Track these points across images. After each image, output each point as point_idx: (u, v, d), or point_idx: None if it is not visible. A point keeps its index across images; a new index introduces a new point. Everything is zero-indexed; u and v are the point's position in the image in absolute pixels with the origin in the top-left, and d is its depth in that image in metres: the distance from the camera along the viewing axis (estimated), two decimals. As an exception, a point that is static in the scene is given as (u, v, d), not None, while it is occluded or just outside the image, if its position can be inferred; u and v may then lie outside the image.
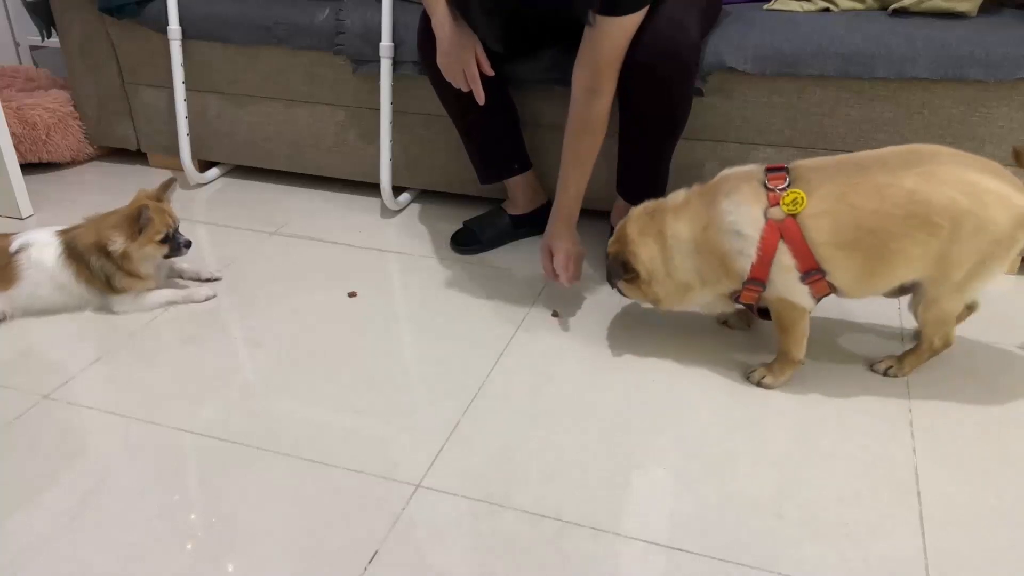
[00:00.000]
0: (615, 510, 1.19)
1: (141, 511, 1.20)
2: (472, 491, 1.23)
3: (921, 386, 1.45)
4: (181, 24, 2.14)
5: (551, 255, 1.66)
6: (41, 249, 1.65)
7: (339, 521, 1.18)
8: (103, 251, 1.64)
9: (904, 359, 1.47)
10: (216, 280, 1.83)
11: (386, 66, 1.98)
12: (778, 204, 1.31)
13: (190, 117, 2.26)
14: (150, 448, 1.33)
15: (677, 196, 1.45)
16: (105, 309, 1.71)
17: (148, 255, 1.67)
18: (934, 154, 1.30)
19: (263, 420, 1.39)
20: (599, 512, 1.19)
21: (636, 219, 1.46)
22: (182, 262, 1.81)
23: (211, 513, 1.20)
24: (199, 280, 1.83)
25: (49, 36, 2.47)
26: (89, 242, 1.64)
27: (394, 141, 2.08)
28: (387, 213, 2.16)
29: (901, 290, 1.39)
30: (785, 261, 1.32)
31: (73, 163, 2.46)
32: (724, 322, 1.64)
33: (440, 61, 1.63)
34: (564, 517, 1.18)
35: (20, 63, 2.86)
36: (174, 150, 2.29)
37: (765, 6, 1.86)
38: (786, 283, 1.35)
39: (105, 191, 2.26)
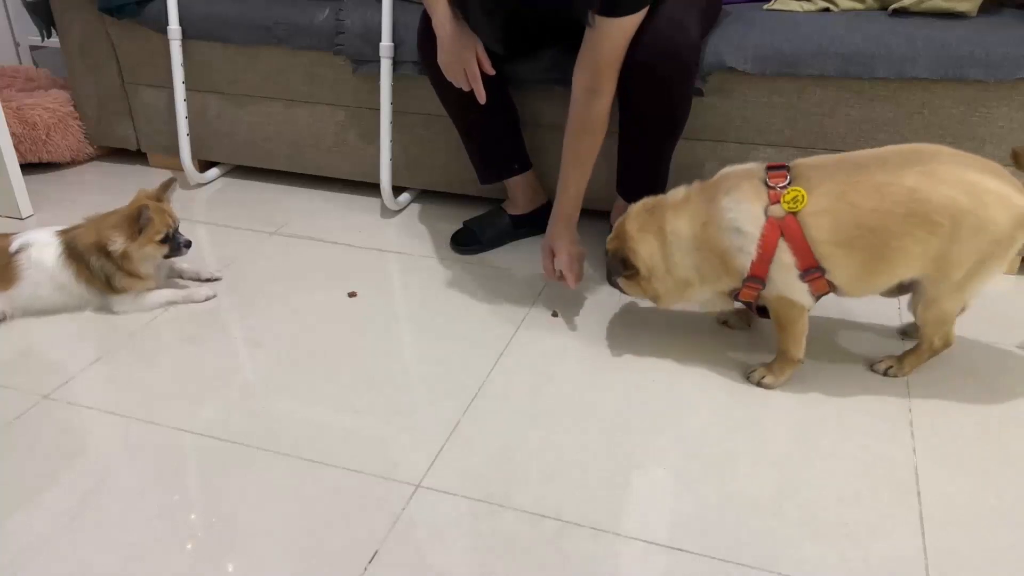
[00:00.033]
0: (615, 510, 1.19)
1: (141, 511, 1.20)
2: (472, 491, 1.23)
3: (921, 386, 1.45)
4: (181, 24, 2.14)
5: (552, 255, 1.66)
6: (41, 249, 1.65)
7: (339, 521, 1.18)
8: (103, 251, 1.64)
9: (904, 359, 1.47)
10: (216, 280, 1.83)
11: (386, 66, 1.98)
12: (778, 202, 1.31)
13: (190, 117, 2.26)
14: (150, 448, 1.33)
15: (677, 193, 1.45)
16: (105, 309, 1.71)
17: (148, 255, 1.67)
18: (935, 153, 1.30)
19: (263, 420, 1.39)
20: (599, 512, 1.19)
21: (636, 216, 1.46)
22: (182, 262, 1.81)
23: (211, 513, 1.20)
24: (199, 280, 1.83)
25: (49, 36, 2.47)
26: (89, 242, 1.64)
27: (394, 141, 2.08)
28: (387, 213, 2.16)
29: (899, 290, 1.39)
30: (785, 259, 1.32)
31: (73, 163, 2.46)
32: (724, 322, 1.64)
33: (441, 61, 1.63)
34: (564, 517, 1.18)
35: (20, 63, 2.86)
36: (174, 150, 2.29)
37: (765, 6, 1.86)
38: (786, 281, 1.35)
39: (105, 191, 2.26)
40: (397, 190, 2.15)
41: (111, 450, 1.32)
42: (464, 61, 1.58)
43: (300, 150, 2.25)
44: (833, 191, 1.30)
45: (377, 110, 2.06)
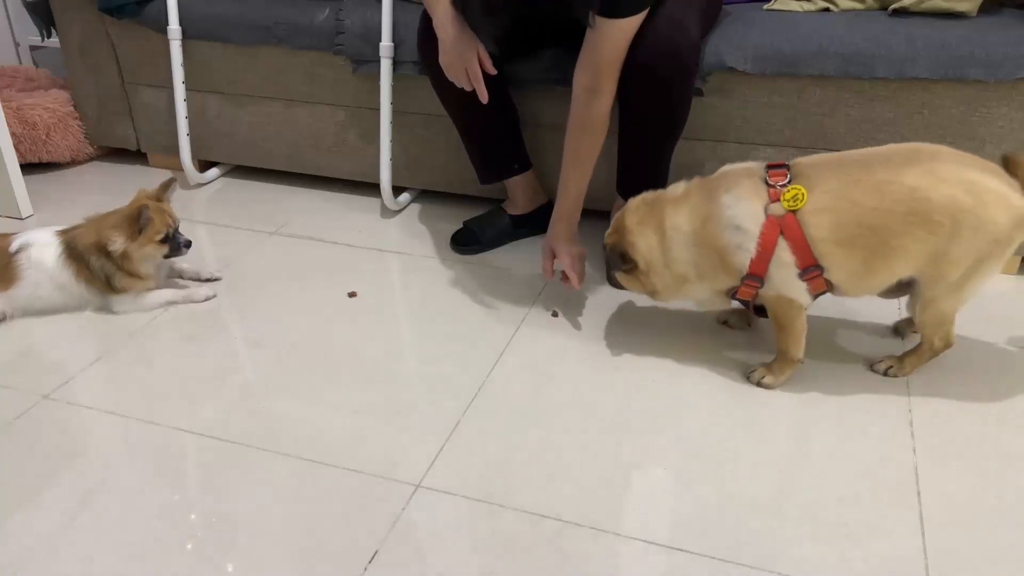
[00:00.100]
0: (615, 510, 1.19)
1: (141, 511, 1.20)
2: (472, 491, 1.23)
3: (921, 386, 1.45)
4: (181, 24, 2.14)
5: (552, 256, 1.66)
6: (41, 249, 1.65)
7: (339, 521, 1.18)
8: (103, 251, 1.64)
9: (904, 359, 1.47)
10: (216, 280, 1.83)
11: (386, 66, 1.98)
12: (778, 200, 1.31)
13: (190, 117, 2.26)
14: (150, 448, 1.33)
15: (677, 188, 1.45)
16: (105, 309, 1.71)
17: (148, 255, 1.67)
18: (935, 153, 1.30)
19: (263, 420, 1.39)
20: (599, 512, 1.19)
21: (635, 210, 1.45)
22: (182, 262, 1.81)
23: (211, 513, 1.20)
24: (199, 280, 1.83)
25: (49, 36, 2.47)
26: (89, 242, 1.64)
27: (394, 141, 2.08)
28: (387, 213, 2.16)
29: (898, 290, 1.39)
30: (784, 257, 1.33)
31: (73, 163, 2.46)
32: (724, 322, 1.64)
33: (442, 61, 1.63)
34: (564, 517, 1.18)
35: (20, 63, 2.86)
36: (174, 150, 2.29)
37: (765, 6, 1.86)
38: (785, 279, 1.35)
39: (105, 191, 2.26)
40: (397, 190, 2.15)
41: (111, 450, 1.32)
42: (466, 61, 1.58)
43: (300, 150, 2.25)
44: (834, 190, 1.30)
45: (377, 110, 2.06)
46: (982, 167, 1.28)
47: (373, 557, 1.12)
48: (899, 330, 1.60)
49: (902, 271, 1.33)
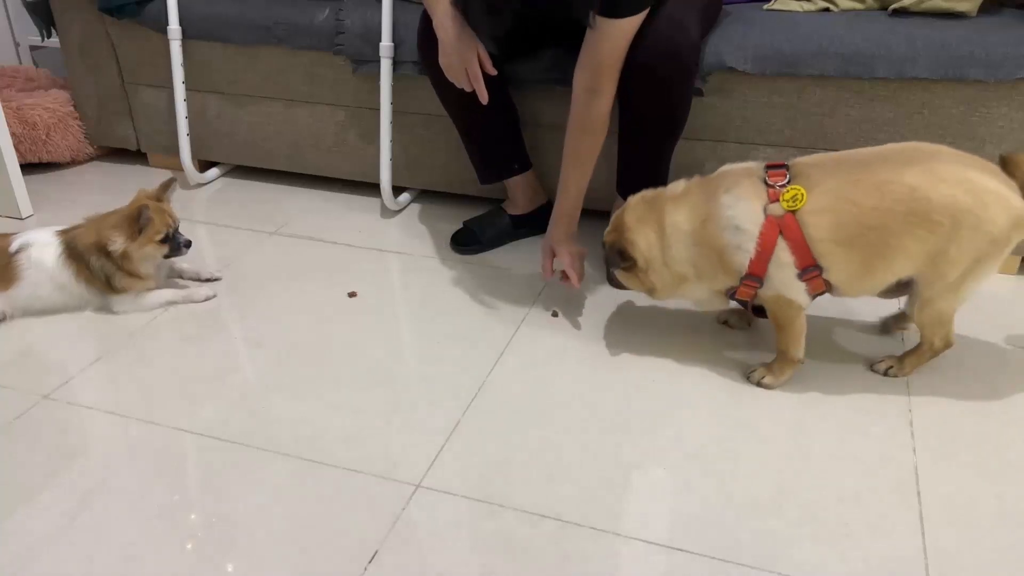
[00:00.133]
0: (615, 510, 1.19)
1: (141, 511, 1.20)
2: (472, 491, 1.23)
3: (921, 386, 1.45)
4: (181, 24, 2.14)
5: (552, 255, 1.66)
6: (41, 249, 1.65)
7: (339, 521, 1.18)
8: (103, 251, 1.64)
9: (905, 359, 1.47)
10: (216, 280, 1.83)
11: (386, 66, 1.98)
12: (778, 200, 1.31)
13: (190, 117, 2.26)
14: (150, 448, 1.33)
15: (677, 186, 1.44)
16: (105, 309, 1.71)
17: (148, 255, 1.67)
18: (935, 152, 1.30)
19: (263, 420, 1.39)
20: (599, 512, 1.19)
21: (634, 207, 1.45)
22: (182, 262, 1.81)
23: (211, 513, 1.20)
24: (199, 280, 1.83)
25: (49, 36, 2.47)
26: (89, 242, 1.64)
27: (394, 141, 2.08)
28: (387, 213, 2.16)
29: (896, 290, 1.39)
30: (783, 257, 1.33)
31: (73, 163, 2.46)
32: (724, 322, 1.64)
33: (442, 61, 1.63)
34: (564, 517, 1.18)
35: (20, 63, 2.85)
36: (174, 150, 2.29)
37: (765, 6, 1.86)
38: (784, 280, 1.35)
39: (105, 191, 2.26)
40: (397, 190, 2.15)
41: (111, 450, 1.32)
42: (466, 61, 1.58)
43: (300, 150, 2.25)
44: (833, 190, 1.30)
45: (377, 110, 2.06)
46: (981, 167, 1.28)
47: (373, 557, 1.12)
48: (887, 326, 1.61)
49: (901, 271, 1.33)
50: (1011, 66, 1.60)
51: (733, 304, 1.48)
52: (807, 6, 1.83)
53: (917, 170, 1.27)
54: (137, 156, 2.47)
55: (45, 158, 2.38)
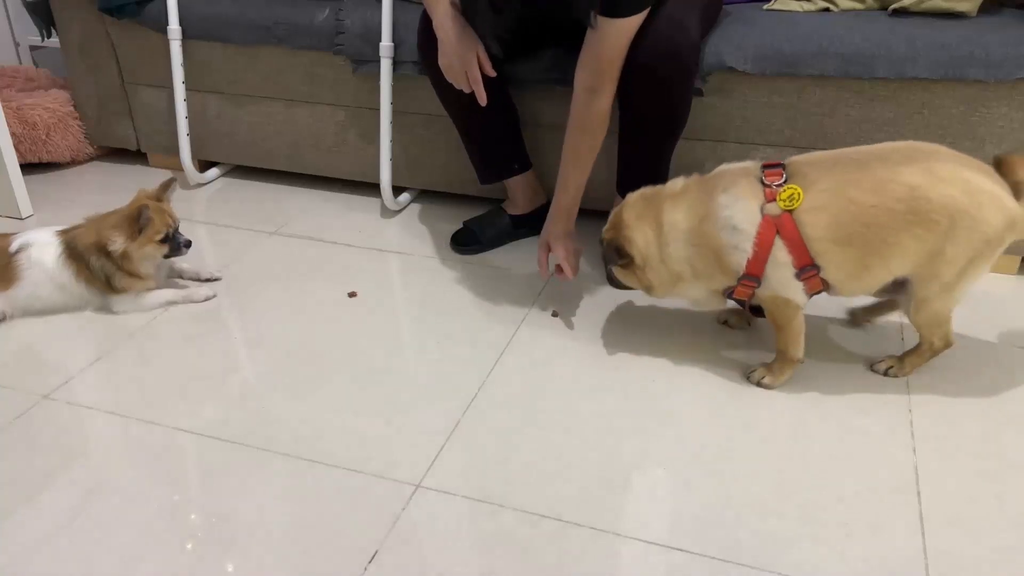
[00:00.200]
0: (615, 510, 1.19)
1: (141, 511, 1.20)
2: (472, 491, 1.23)
3: (921, 386, 1.45)
4: (181, 24, 2.14)
5: (548, 250, 1.66)
6: (41, 249, 1.65)
7: (339, 521, 1.18)
8: (103, 251, 1.64)
9: (905, 359, 1.47)
10: (216, 280, 1.83)
11: (386, 66, 1.98)
12: (774, 200, 1.31)
13: (190, 117, 2.26)
14: (150, 448, 1.33)
15: (675, 184, 1.45)
16: (105, 309, 1.71)
17: (148, 255, 1.67)
18: (932, 152, 1.30)
19: (263, 420, 1.39)
20: (599, 512, 1.19)
21: (632, 205, 1.45)
22: (182, 262, 1.81)
23: (211, 513, 1.20)
24: (199, 280, 1.83)
25: (49, 36, 2.47)
26: (89, 242, 1.64)
27: (394, 141, 2.08)
28: (387, 213, 2.16)
29: (892, 290, 1.39)
30: (781, 257, 1.33)
31: (73, 163, 2.46)
32: (724, 321, 1.64)
33: (442, 62, 1.63)
34: (564, 517, 1.18)
35: (20, 63, 2.85)
36: (174, 150, 2.29)
37: (765, 6, 1.86)
38: (781, 279, 1.35)
39: (105, 191, 2.26)
40: (397, 190, 2.15)
41: (111, 450, 1.32)
42: (465, 63, 1.58)
43: (300, 150, 2.25)
44: (831, 188, 1.30)
45: (377, 110, 2.06)
46: (977, 167, 1.29)
47: (373, 557, 1.12)
48: (855, 318, 1.61)
49: (899, 269, 1.33)
50: (1011, 66, 1.60)
51: (731, 304, 1.48)
52: (807, 6, 1.83)
53: (916, 169, 1.27)
54: (137, 156, 2.47)
55: (45, 158, 2.38)
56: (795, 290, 1.36)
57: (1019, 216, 1.28)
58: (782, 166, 1.35)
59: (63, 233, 1.68)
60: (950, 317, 1.40)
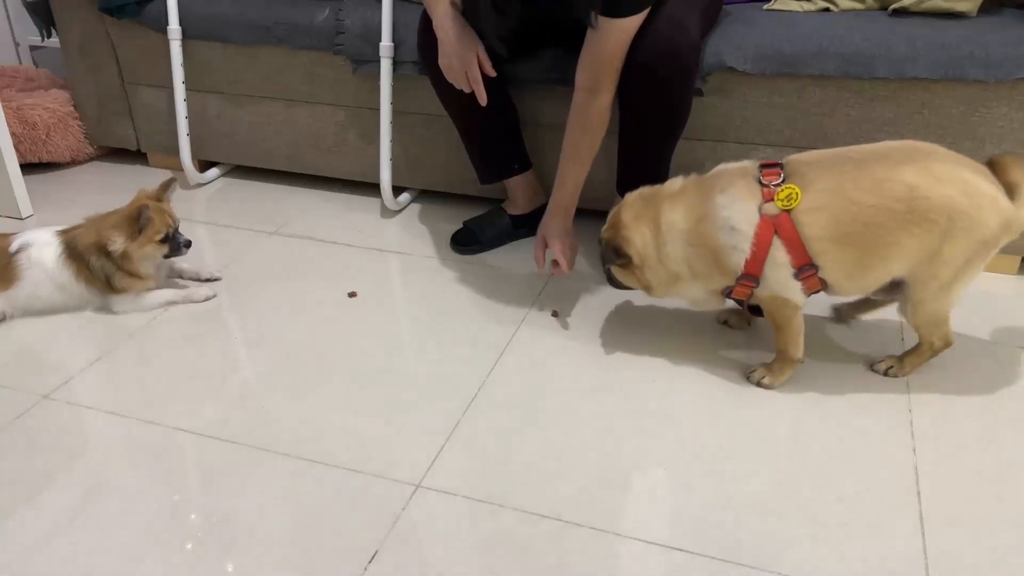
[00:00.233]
0: (615, 510, 1.19)
1: (141, 511, 1.20)
2: (472, 491, 1.23)
3: (921, 386, 1.45)
4: (181, 24, 2.14)
5: (545, 246, 1.66)
6: (41, 249, 1.65)
7: (339, 521, 1.18)
8: (103, 251, 1.64)
9: (905, 359, 1.47)
10: (216, 280, 1.83)
11: (386, 66, 1.98)
12: (772, 200, 1.32)
13: (190, 117, 2.26)
14: (150, 448, 1.33)
15: (674, 184, 1.45)
16: (105, 309, 1.71)
17: (148, 255, 1.67)
18: (930, 151, 1.30)
19: (263, 420, 1.39)
20: (599, 512, 1.19)
21: (631, 205, 1.46)
22: (182, 262, 1.81)
23: (211, 513, 1.20)
24: (199, 280, 1.83)
25: (49, 36, 2.47)
26: (89, 242, 1.64)
27: (394, 141, 2.08)
28: (387, 213, 2.16)
29: (890, 290, 1.39)
30: (779, 257, 1.33)
31: (73, 163, 2.46)
32: (724, 321, 1.65)
33: (442, 62, 1.63)
34: (564, 517, 1.18)
35: (20, 63, 2.85)
36: (174, 150, 2.29)
37: (765, 6, 1.86)
38: (780, 279, 1.35)
39: (105, 191, 2.26)
40: (397, 190, 2.15)
41: (111, 450, 1.32)
42: (466, 63, 1.58)
43: (300, 150, 2.25)
44: (829, 188, 1.30)
45: (377, 110, 2.06)
46: (974, 168, 1.29)
47: (373, 557, 1.12)
48: (841, 314, 1.61)
49: (897, 269, 1.33)
50: (1011, 66, 1.60)
51: (731, 304, 1.48)
52: (807, 6, 1.83)
53: (914, 169, 1.27)
54: (137, 156, 2.47)
55: (45, 158, 2.38)
56: (794, 290, 1.36)
57: (1014, 217, 1.28)
58: (780, 166, 1.35)
59: (63, 233, 1.68)
60: (948, 317, 1.40)
